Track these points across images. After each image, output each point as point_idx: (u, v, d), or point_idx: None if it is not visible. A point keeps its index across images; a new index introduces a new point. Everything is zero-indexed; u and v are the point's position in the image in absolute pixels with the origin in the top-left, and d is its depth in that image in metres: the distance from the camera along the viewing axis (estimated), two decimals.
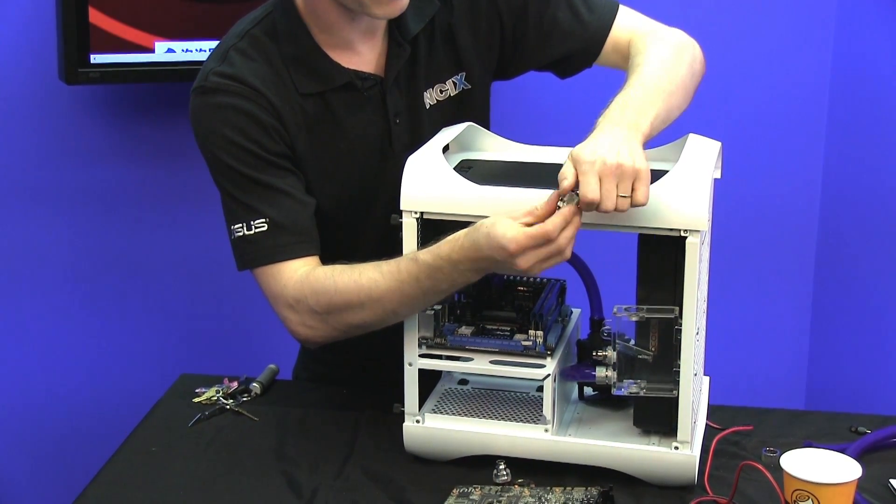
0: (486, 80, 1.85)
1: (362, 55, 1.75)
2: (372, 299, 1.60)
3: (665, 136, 1.66)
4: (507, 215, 1.48)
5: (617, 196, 1.45)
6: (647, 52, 1.69)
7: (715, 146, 1.62)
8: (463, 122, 1.76)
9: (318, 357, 1.97)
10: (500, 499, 1.52)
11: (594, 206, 1.46)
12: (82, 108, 2.54)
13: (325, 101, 1.74)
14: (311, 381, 1.99)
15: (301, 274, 1.67)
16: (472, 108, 1.83)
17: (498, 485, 1.57)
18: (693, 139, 1.64)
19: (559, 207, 1.47)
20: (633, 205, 1.46)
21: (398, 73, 1.76)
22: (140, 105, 2.57)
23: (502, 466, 1.58)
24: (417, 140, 1.72)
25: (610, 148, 1.46)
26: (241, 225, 1.69)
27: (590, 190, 1.45)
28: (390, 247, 1.63)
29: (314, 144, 1.74)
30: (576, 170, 1.46)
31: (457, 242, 1.52)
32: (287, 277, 1.67)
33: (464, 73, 1.81)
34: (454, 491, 1.55)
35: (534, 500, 1.51)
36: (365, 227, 1.80)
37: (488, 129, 1.85)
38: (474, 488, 1.55)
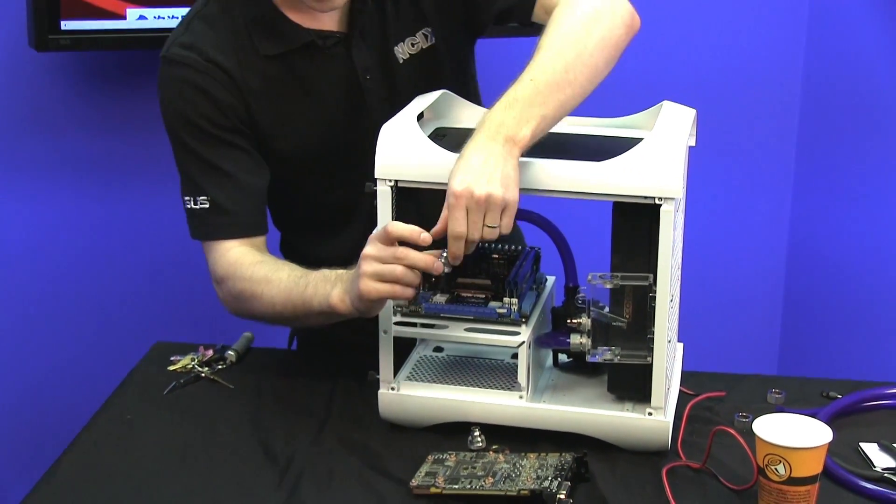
0: (455, 36, 1.84)
1: (323, 13, 1.75)
2: (267, 294, 1.69)
3: (639, 102, 1.67)
4: None
5: (483, 226, 1.48)
6: (549, 32, 1.59)
7: (690, 114, 1.62)
8: (440, 76, 1.78)
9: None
10: (475, 465, 1.53)
11: (462, 238, 1.48)
12: (53, 76, 2.52)
13: (289, 62, 1.76)
14: (310, 344, 2.00)
15: (233, 255, 1.74)
16: (446, 62, 1.83)
17: (473, 451, 1.58)
18: (668, 106, 1.64)
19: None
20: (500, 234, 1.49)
21: (364, 28, 1.77)
22: (111, 72, 2.55)
23: (477, 433, 1.59)
24: (394, 95, 1.74)
25: (480, 175, 1.46)
26: (189, 197, 1.77)
27: (456, 224, 1.48)
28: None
29: (280, 106, 1.76)
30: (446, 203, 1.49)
31: (343, 273, 1.62)
32: (220, 255, 1.76)
33: (430, 28, 1.81)
34: (429, 457, 1.56)
35: (508, 465, 1.52)
36: (342, 182, 1.82)
37: (475, 86, 1.85)
38: (449, 455, 1.56)
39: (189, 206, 1.77)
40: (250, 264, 1.72)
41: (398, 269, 1.51)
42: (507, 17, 1.84)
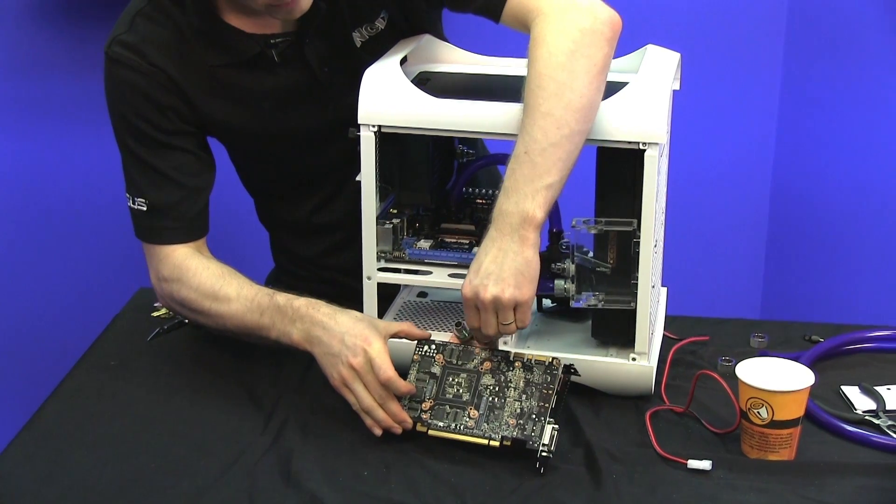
0: (416, 13, 1.75)
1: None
2: (215, 312, 1.66)
3: (624, 46, 1.66)
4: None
5: (497, 324, 1.49)
6: (531, 86, 1.47)
7: (674, 58, 1.61)
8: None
9: (292, 272, 1.97)
10: (460, 376, 1.52)
11: (479, 332, 1.51)
12: (39, 16, 2.49)
13: (239, 69, 1.69)
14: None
15: (177, 257, 1.71)
16: (410, 33, 1.75)
17: (460, 342, 1.56)
18: (652, 50, 1.63)
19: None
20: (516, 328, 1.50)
21: (318, 21, 1.67)
22: (97, 10, 2.52)
23: (462, 323, 1.57)
24: (354, 80, 1.59)
25: (487, 277, 1.46)
26: (129, 196, 1.72)
27: (470, 322, 1.51)
28: (340, 184, 1.72)
29: (234, 108, 1.71)
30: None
31: (316, 304, 1.58)
32: (164, 257, 1.71)
33: (387, 12, 1.73)
34: (415, 356, 1.55)
35: (493, 382, 1.52)
36: (308, 162, 1.80)
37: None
38: (436, 356, 1.55)
39: (128, 204, 1.73)
40: (195, 271, 1.69)
41: (379, 412, 1.51)
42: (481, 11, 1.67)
